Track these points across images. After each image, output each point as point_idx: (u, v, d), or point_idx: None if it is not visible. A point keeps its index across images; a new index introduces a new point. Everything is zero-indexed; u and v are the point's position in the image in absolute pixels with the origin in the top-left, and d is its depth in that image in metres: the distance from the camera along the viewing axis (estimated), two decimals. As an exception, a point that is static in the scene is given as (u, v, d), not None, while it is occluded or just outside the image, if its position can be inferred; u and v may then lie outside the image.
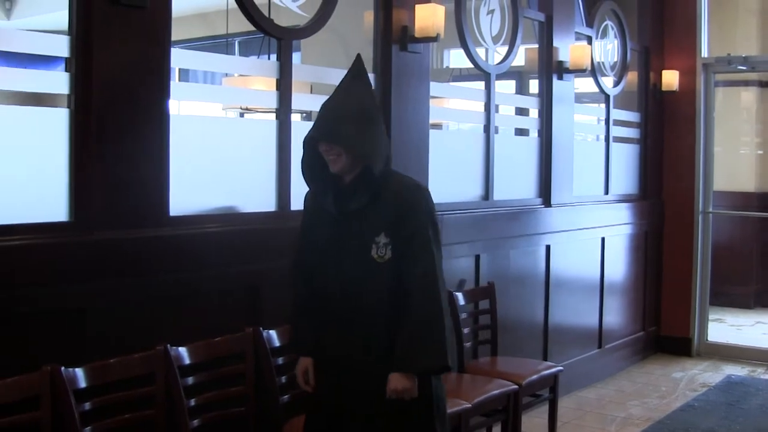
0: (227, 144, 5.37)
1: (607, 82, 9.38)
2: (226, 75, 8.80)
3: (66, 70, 4.59)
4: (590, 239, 8.78)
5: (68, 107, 4.55)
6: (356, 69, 4.50)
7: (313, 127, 4.36)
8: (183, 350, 4.70)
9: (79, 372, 4.21)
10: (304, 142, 4.39)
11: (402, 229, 4.25)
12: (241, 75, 8.14)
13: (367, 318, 4.29)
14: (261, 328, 5.07)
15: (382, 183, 4.31)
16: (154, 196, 4.82)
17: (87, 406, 4.22)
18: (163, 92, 4.86)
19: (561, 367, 6.84)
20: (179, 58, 5.18)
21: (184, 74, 10.00)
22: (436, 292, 4.21)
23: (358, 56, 4.57)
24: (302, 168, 4.45)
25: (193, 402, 4.66)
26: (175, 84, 5.00)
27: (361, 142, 4.25)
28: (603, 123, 9.45)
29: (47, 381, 4.04)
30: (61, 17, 4.87)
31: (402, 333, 4.20)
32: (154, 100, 4.81)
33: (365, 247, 4.28)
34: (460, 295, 6.68)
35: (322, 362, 4.48)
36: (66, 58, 4.58)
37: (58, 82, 4.54)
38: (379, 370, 4.24)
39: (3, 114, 4.46)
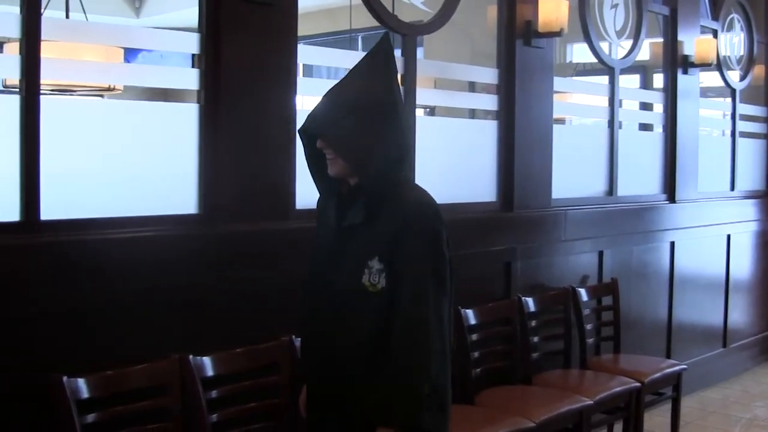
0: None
1: (733, 76, 9.25)
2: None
3: (195, 66, 4.69)
4: (715, 236, 8.66)
5: (198, 102, 4.64)
6: (378, 49, 3.70)
7: (308, 115, 3.65)
8: (308, 342, 4.74)
9: (207, 360, 4.30)
10: (298, 132, 3.74)
11: (398, 257, 3.49)
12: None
13: (349, 353, 3.59)
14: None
15: (383, 196, 3.56)
16: (280, 190, 4.89)
17: (214, 394, 4.29)
18: (290, 88, 4.93)
19: (684, 366, 6.78)
20: (305, 53, 5.23)
21: (308, 70, 10.10)
22: (423, 339, 3.45)
23: (385, 35, 3.77)
24: (308, 164, 3.74)
25: (317, 393, 4.70)
26: (300, 79, 5.07)
27: (355, 144, 3.51)
28: (729, 118, 9.32)
29: (176, 369, 4.14)
30: (187, 15, 4.97)
31: (383, 379, 3.47)
32: (281, 96, 4.87)
33: (358, 271, 3.55)
34: (583, 291, 6.66)
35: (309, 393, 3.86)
36: (195, 54, 4.68)
37: (188, 77, 4.64)
38: (354, 414, 3.61)
39: (135, 109, 4.57)
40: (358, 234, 3.57)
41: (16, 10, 4.03)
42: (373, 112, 3.51)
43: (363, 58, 3.70)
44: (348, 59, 6.82)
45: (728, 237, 8.84)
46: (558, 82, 6.94)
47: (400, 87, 3.59)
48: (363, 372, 3.54)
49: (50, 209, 4.08)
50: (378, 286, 3.50)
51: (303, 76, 5.79)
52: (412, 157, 3.65)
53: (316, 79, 9.60)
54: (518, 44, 6.40)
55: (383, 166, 3.53)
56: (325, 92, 3.62)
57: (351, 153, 3.51)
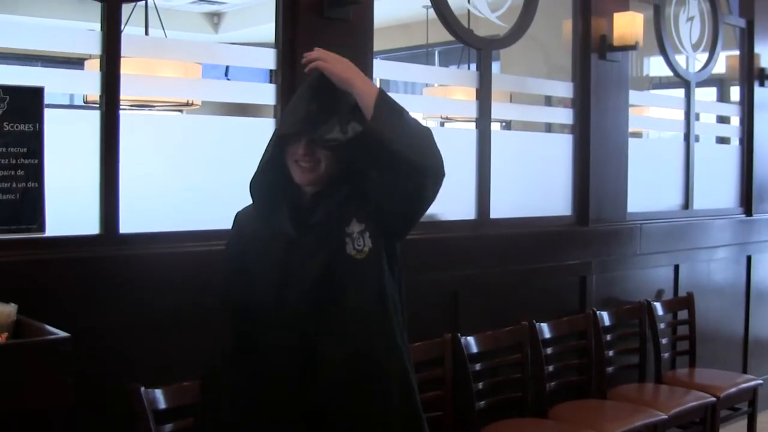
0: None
1: (813, 88, 9.15)
2: (427, 85, 8.90)
3: (272, 82, 4.75)
4: (794, 250, 8.57)
5: (274, 117, 4.71)
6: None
7: (288, 121, 3.31)
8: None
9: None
10: (278, 138, 3.36)
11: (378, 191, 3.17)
12: (441, 85, 8.23)
13: (344, 355, 3.19)
14: (459, 334, 5.13)
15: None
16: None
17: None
18: (366, 102, 4.97)
19: (761, 381, 6.70)
20: (382, 68, 5.28)
21: (385, 85, 10.16)
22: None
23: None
24: (264, 172, 3.41)
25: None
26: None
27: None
28: (808, 130, 9.23)
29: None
30: (266, 30, 5.03)
31: None
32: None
33: (337, 247, 3.20)
34: (658, 305, 6.62)
35: None
36: (272, 70, 4.74)
37: (266, 93, 4.70)
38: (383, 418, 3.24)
39: (213, 124, 4.65)
40: (323, 225, 3.25)
41: (97, 27, 4.12)
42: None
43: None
44: (425, 74, 6.89)
45: (807, 251, 8.74)
46: (634, 96, 6.91)
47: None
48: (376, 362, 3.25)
49: (129, 223, 4.16)
50: (365, 249, 3.21)
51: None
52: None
53: (392, 93, 9.67)
54: (593, 58, 6.40)
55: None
56: (293, 101, 3.35)
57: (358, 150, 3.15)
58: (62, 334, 3.11)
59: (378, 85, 3.24)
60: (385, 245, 3.26)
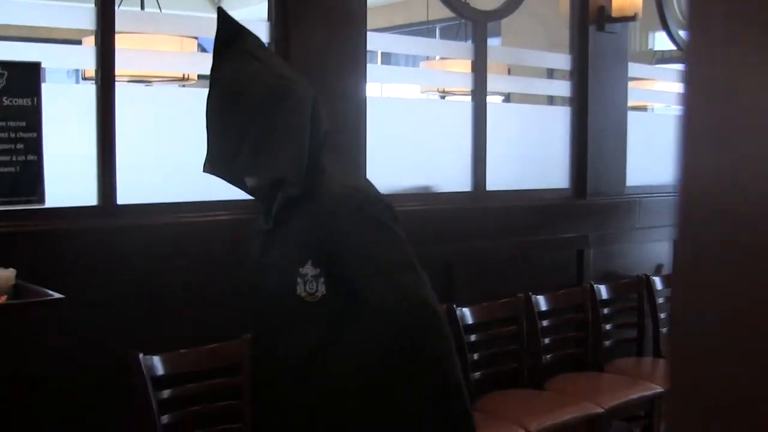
0: (425, 125, 5.48)
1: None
2: (428, 58, 8.93)
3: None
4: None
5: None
6: (225, 34, 3.45)
7: (208, 158, 3.39)
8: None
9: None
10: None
11: (340, 263, 3.14)
12: (442, 58, 8.25)
13: (286, 373, 3.32)
14: (455, 305, 5.16)
15: (295, 197, 3.28)
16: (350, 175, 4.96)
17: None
18: (359, 75, 5.00)
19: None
20: (376, 41, 5.29)
21: (386, 59, 10.18)
22: (433, 336, 3.15)
23: (219, 10, 3.56)
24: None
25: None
26: (374, 67, 5.13)
27: (267, 162, 3.20)
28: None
29: (248, 349, 4.21)
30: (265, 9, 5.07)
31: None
32: (351, 83, 4.94)
33: (288, 281, 3.21)
34: (657, 280, 6.59)
35: None
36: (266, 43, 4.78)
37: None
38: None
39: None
40: (283, 237, 3.30)
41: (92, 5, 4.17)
42: (266, 114, 3.21)
43: (214, 57, 3.47)
44: (419, 46, 6.92)
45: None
46: (634, 69, 6.90)
47: (283, 65, 3.51)
48: (299, 390, 3.30)
49: (127, 194, 4.23)
50: (318, 294, 3.17)
51: (381, 64, 5.85)
52: (335, 143, 3.62)
53: (391, 66, 9.70)
54: (591, 30, 6.37)
55: (284, 167, 3.21)
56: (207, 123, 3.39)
57: (269, 173, 3.31)
58: (57, 295, 3.18)
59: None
60: (347, 288, 3.20)
